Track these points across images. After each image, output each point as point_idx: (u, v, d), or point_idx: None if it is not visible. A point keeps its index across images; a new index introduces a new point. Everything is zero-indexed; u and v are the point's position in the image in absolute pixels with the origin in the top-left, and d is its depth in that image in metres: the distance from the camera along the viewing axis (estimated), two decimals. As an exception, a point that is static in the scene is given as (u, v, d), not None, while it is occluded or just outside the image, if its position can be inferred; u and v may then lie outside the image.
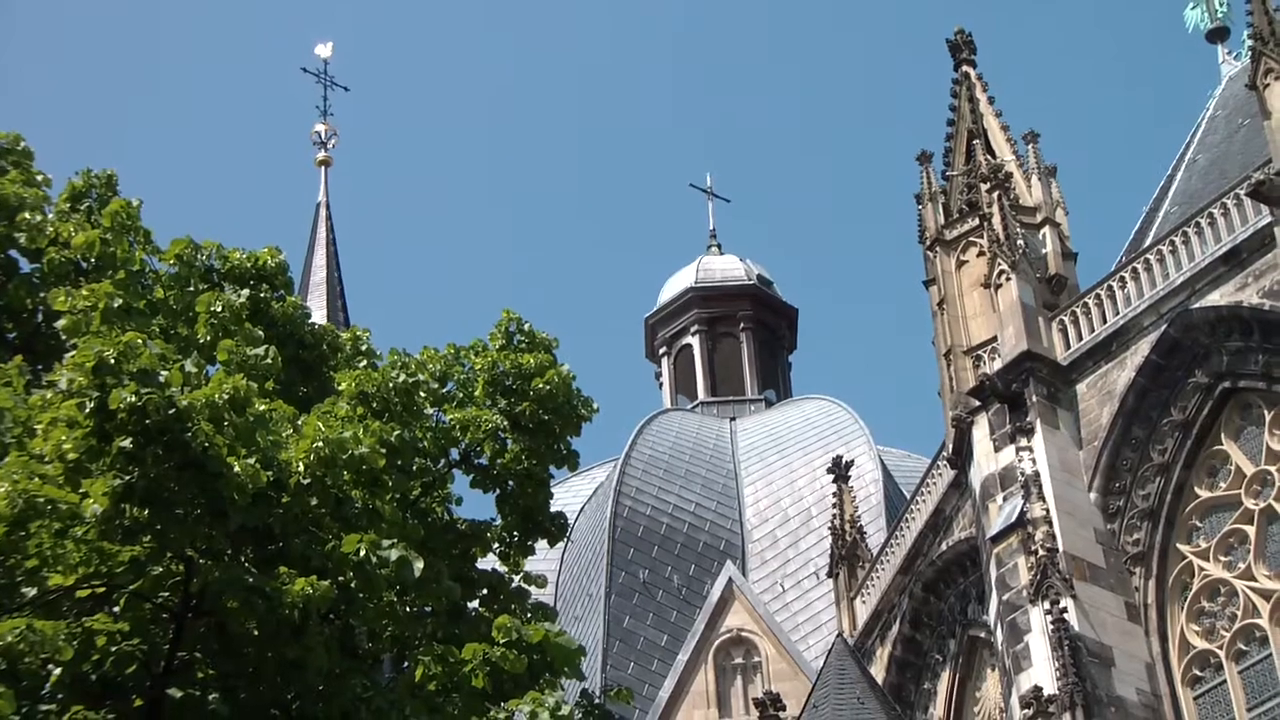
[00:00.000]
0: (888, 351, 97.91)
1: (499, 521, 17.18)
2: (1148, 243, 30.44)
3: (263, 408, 14.34)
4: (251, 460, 13.66)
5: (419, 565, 14.24)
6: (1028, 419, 28.12)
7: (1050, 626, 25.37)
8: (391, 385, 16.26)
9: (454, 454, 16.93)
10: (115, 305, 15.36)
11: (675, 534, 43.75)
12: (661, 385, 55.50)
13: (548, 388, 16.94)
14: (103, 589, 13.79)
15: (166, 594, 13.87)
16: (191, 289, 16.90)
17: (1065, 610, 25.51)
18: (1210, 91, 37.51)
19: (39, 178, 18.33)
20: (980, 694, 30.55)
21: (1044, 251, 31.05)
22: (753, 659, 38.31)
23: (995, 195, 30.74)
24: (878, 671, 32.07)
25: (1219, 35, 39.25)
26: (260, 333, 16.25)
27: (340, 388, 16.35)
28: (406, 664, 15.58)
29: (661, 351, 55.72)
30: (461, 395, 17.21)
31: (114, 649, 13.59)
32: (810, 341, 74.15)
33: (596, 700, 16.88)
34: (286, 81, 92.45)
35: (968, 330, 30.60)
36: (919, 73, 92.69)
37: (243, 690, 13.98)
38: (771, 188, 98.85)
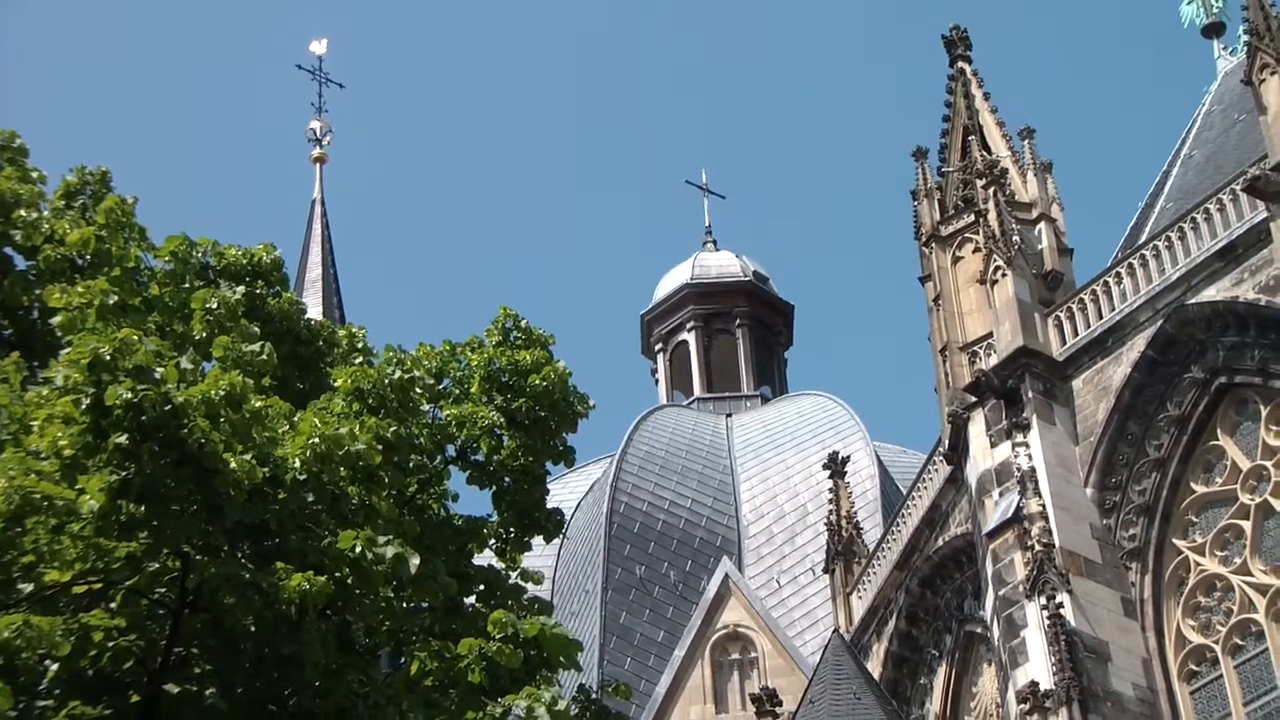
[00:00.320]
0: (884, 347, 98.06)
1: (495, 518, 17.19)
2: (1144, 238, 30.46)
3: (259, 404, 14.33)
4: (248, 456, 13.66)
5: (415, 562, 14.24)
6: (1024, 415, 28.14)
7: (1047, 622, 25.40)
8: (387, 381, 16.26)
9: (450, 450, 16.94)
10: (111, 302, 15.36)
11: (671, 530, 43.78)
12: (657, 381, 55.53)
13: (544, 384, 16.95)
14: (99, 585, 13.79)
15: (163, 590, 13.87)
16: (187, 286, 16.89)
17: (1061, 605, 25.54)
18: (1206, 87, 37.56)
19: (34, 174, 18.31)
20: (977, 689, 30.58)
21: (1040, 247, 31.07)
22: (749, 654, 38.32)
23: (991, 191, 30.75)
24: (874, 667, 32.09)
25: (1215, 30, 39.26)
26: (256, 329, 16.23)
27: (336, 384, 16.34)
28: (403, 659, 15.58)
29: (657, 348, 55.74)
30: (458, 392, 17.22)
31: (111, 645, 13.58)
32: (806, 338, 74.15)
33: (594, 696, 16.89)
34: (282, 78, 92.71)
35: (964, 326, 30.61)
36: (914, 69, 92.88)
37: (239, 686, 13.97)
38: (767, 184, 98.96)
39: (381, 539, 14.20)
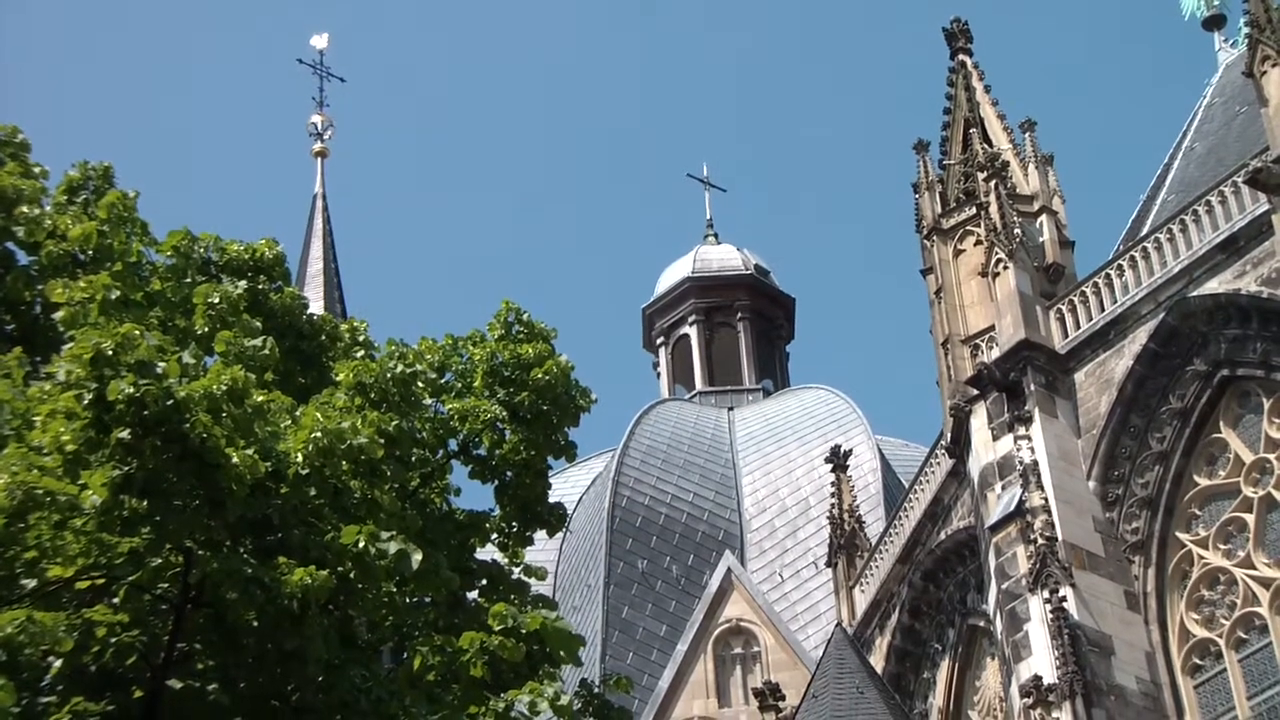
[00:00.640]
0: (885, 341, 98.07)
1: (497, 512, 17.16)
2: (1145, 231, 30.43)
3: (261, 399, 14.32)
4: (250, 451, 13.65)
5: (418, 557, 14.23)
6: (1026, 408, 28.12)
7: (1050, 615, 25.38)
8: (390, 376, 16.23)
9: (452, 444, 16.92)
10: (113, 297, 15.34)
11: (674, 524, 43.77)
12: (659, 375, 55.52)
13: (546, 378, 16.92)
14: (102, 580, 13.78)
15: (166, 585, 13.86)
16: (189, 280, 16.86)
17: (1064, 599, 25.52)
18: (1207, 79, 37.54)
19: (36, 170, 18.29)
20: (980, 683, 30.57)
21: (1041, 240, 31.06)
22: (752, 649, 38.32)
23: (992, 184, 30.73)
24: (877, 661, 32.08)
25: (1216, 23, 39.23)
26: (258, 324, 16.21)
27: (338, 378, 16.33)
28: (405, 654, 15.57)
29: (659, 341, 55.73)
30: (460, 386, 17.19)
31: (114, 640, 13.57)
32: (808, 331, 74.03)
33: (596, 689, 16.88)
34: (282, 73, 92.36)
35: (965, 319, 30.59)
36: (915, 62, 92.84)
37: (242, 681, 13.97)
38: (768, 177, 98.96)
39: (384, 534, 14.18)
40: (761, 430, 47.74)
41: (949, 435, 30.12)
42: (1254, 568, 26.41)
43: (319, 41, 54.06)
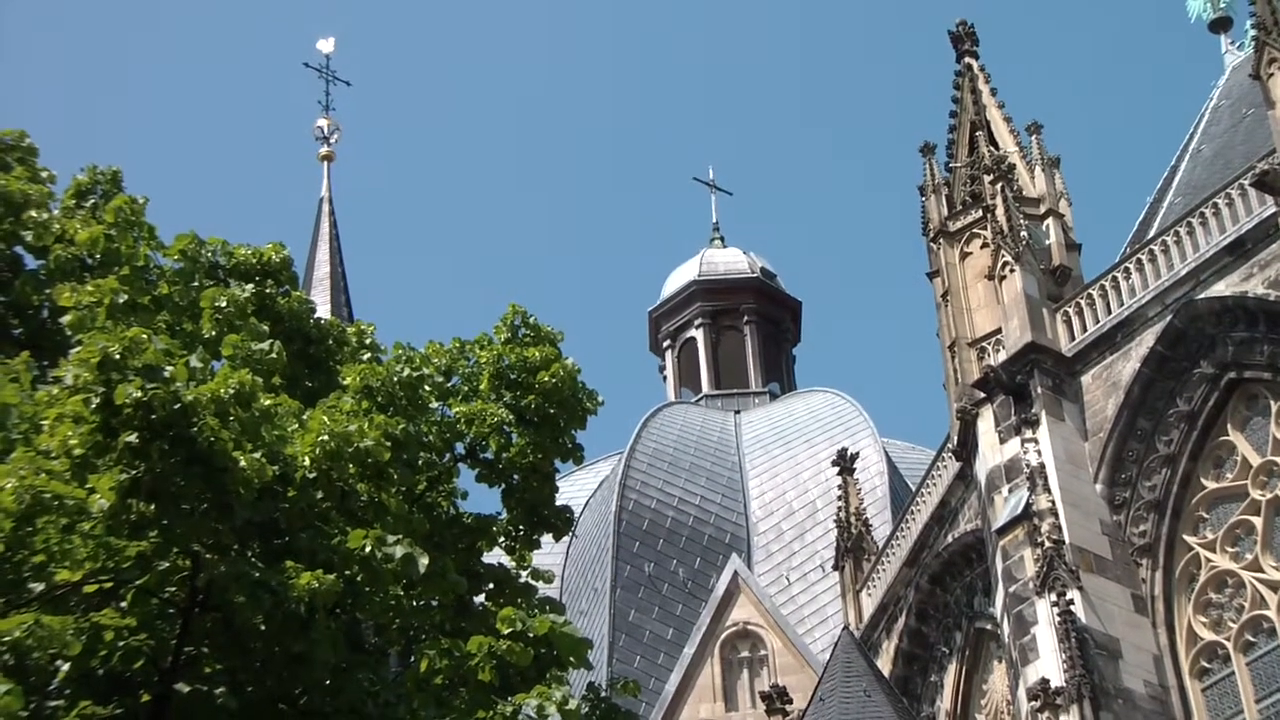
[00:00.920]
0: (892, 344, 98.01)
1: (504, 515, 17.16)
2: (1152, 233, 30.42)
3: (268, 402, 14.32)
4: (257, 455, 13.65)
5: (424, 561, 14.23)
6: (1033, 411, 28.11)
7: (1057, 618, 25.36)
8: (396, 379, 16.24)
9: (459, 448, 16.90)
10: (120, 301, 15.35)
11: (680, 527, 43.77)
12: (665, 379, 55.55)
13: (553, 381, 16.91)
14: (110, 584, 13.78)
15: (173, 589, 13.85)
16: (196, 284, 16.87)
17: (1072, 602, 25.51)
18: (1214, 82, 37.52)
19: (44, 174, 18.32)
20: (987, 686, 30.55)
21: (1048, 243, 31.06)
22: (759, 652, 38.32)
23: (999, 187, 30.72)
24: (884, 664, 32.07)
25: (1222, 25, 39.24)
26: (265, 328, 16.23)
27: (345, 382, 16.33)
28: (413, 658, 15.56)
29: (665, 345, 55.76)
30: (466, 389, 17.18)
31: (121, 644, 13.56)
32: (814, 334, 74.21)
33: (603, 694, 16.87)
34: (289, 77, 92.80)
35: (972, 322, 30.57)
36: (921, 64, 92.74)
37: (249, 684, 13.96)
38: (774, 180, 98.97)
39: (391, 537, 14.18)
40: (768, 433, 47.73)
41: (956, 438, 30.10)
42: (1262, 570, 26.38)
43: (325, 46, 54.14)
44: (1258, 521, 26.62)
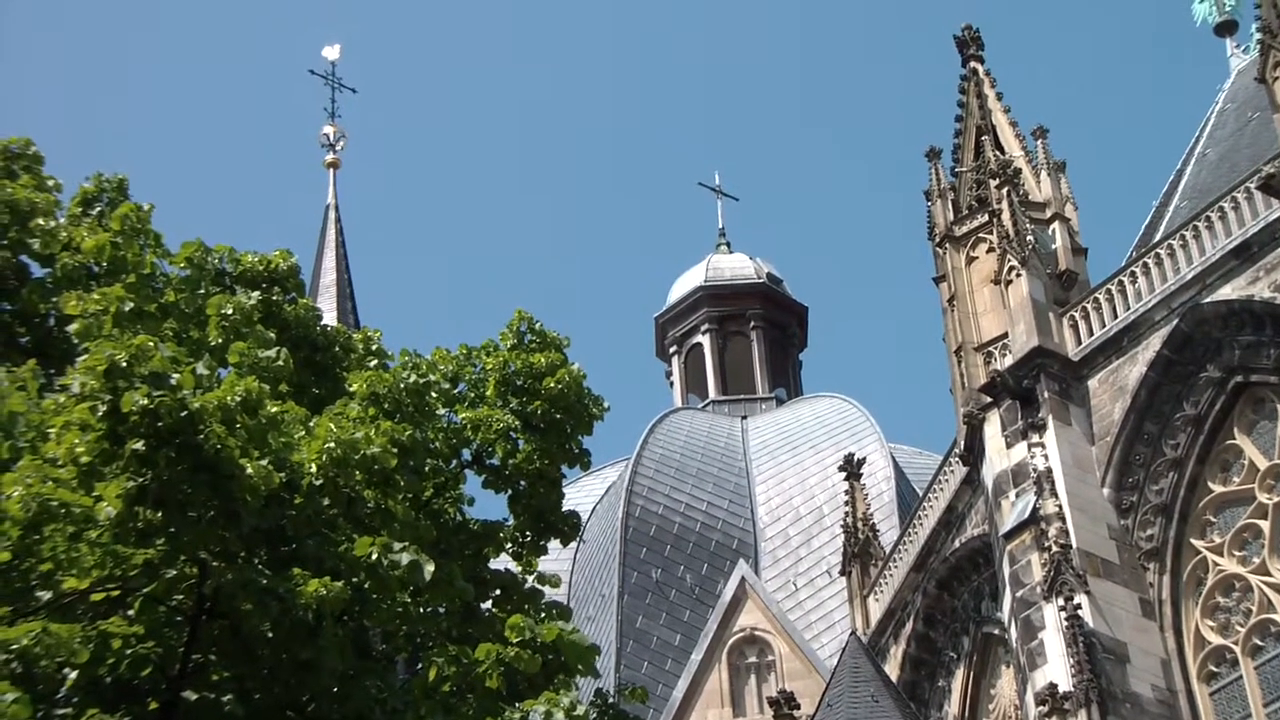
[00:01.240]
0: (898, 349, 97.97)
1: (511, 522, 17.16)
2: (1158, 237, 30.39)
3: (275, 409, 14.34)
4: (264, 462, 13.66)
5: (430, 568, 14.23)
6: (1039, 415, 28.08)
7: (1065, 623, 25.33)
8: (403, 386, 16.26)
9: (466, 454, 16.93)
10: (127, 309, 15.38)
11: (688, 533, 43.75)
12: (672, 384, 55.52)
13: (559, 387, 16.93)
14: (117, 592, 13.79)
15: (181, 596, 13.87)
16: (203, 292, 16.89)
17: (1079, 606, 25.47)
18: (1219, 85, 37.48)
19: (50, 183, 18.33)
20: (995, 691, 30.50)
21: (1054, 247, 31.03)
22: (766, 658, 38.28)
23: (1004, 191, 30.69)
24: (892, 669, 32.03)
25: (1227, 29, 39.19)
26: (272, 335, 16.24)
27: (352, 389, 16.34)
28: (420, 665, 15.56)
29: (672, 350, 55.75)
30: (473, 395, 17.20)
31: (129, 652, 13.59)
32: (820, 339, 74.12)
33: (611, 700, 16.86)
34: (294, 84, 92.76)
35: (978, 326, 30.56)
36: (927, 69, 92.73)
37: (257, 692, 13.97)
38: (780, 186, 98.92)
39: (397, 544, 14.20)
40: (775, 439, 47.71)
41: (963, 443, 30.07)
42: (1269, 574, 26.33)
43: (331, 53, 54.25)
44: (1265, 525, 26.58)
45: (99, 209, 18.00)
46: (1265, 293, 26.99)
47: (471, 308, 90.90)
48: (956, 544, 31.42)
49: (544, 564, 17.87)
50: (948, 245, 31.77)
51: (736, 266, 56.45)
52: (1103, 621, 25.90)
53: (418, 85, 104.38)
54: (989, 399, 28.98)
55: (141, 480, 13.36)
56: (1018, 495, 27.67)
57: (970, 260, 31.42)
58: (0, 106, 71.67)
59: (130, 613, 13.78)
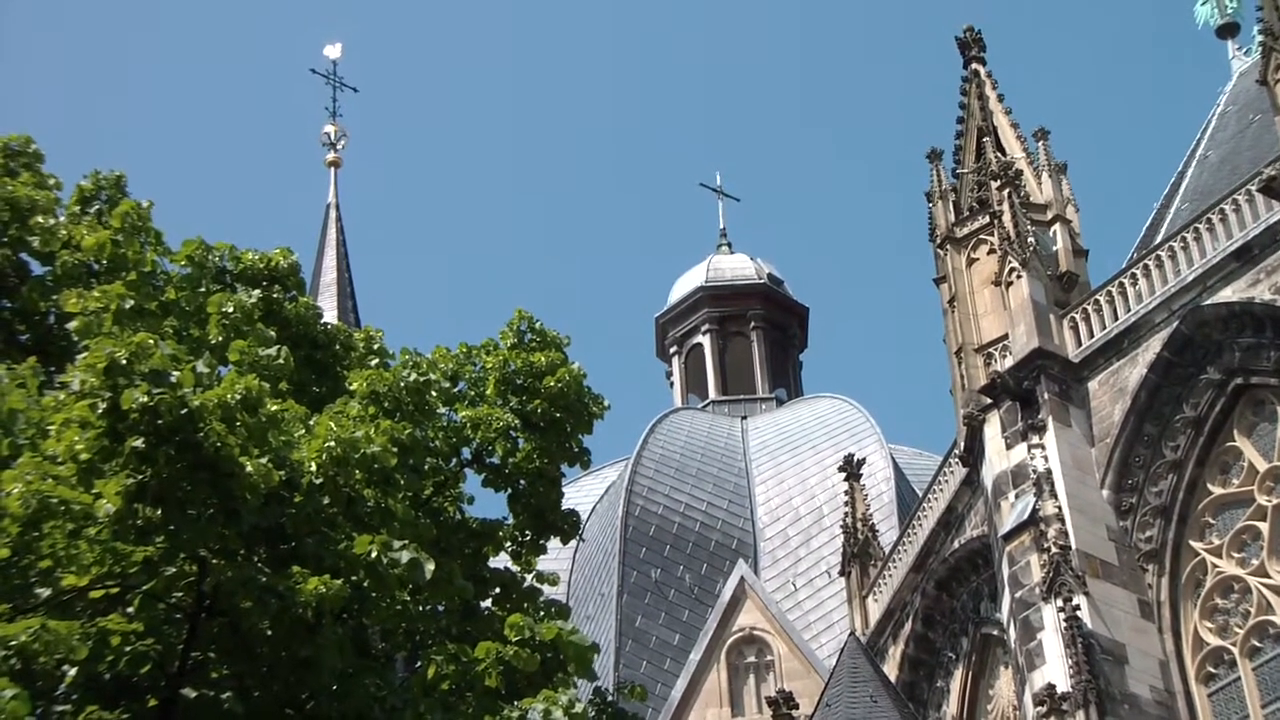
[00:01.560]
0: (898, 350, 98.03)
1: (511, 520, 17.17)
2: (1159, 239, 30.39)
3: (275, 408, 14.34)
4: (264, 460, 13.67)
5: (430, 566, 14.24)
6: (1039, 416, 28.08)
7: (1063, 624, 25.34)
8: (403, 384, 16.27)
9: (465, 453, 16.94)
10: (127, 306, 15.38)
11: (687, 533, 43.76)
12: (672, 384, 55.53)
13: (559, 386, 16.94)
14: (116, 589, 13.80)
15: (180, 594, 13.87)
16: (203, 290, 16.90)
17: (1078, 608, 25.48)
18: (1221, 87, 37.49)
19: (50, 180, 18.33)
20: (994, 692, 30.51)
21: (1055, 249, 31.05)
22: (765, 657, 38.29)
23: (1006, 193, 30.70)
24: (890, 670, 32.04)
25: (1229, 31, 39.20)
26: (272, 333, 16.25)
27: (352, 387, 16.35)
28: (420, 663, 15.57)
29: (672, 351, 55.76)
30: (473, 394, 17.21)
31: (128, 649, 13.59)
32: (821, 340, 74.10)
33: (610, 698, 16.87)
34: (296, 83, 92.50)
35: (979, 328, 30.56)
36: (928, 71, 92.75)
37: (256, 690, 13.98)
38: (781, 186, 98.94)
39: (397, 543, 14.20)
40: (775, 439, 47.72)
41: (962, 444, 30.08)
42: (1268, 576, 26.33)
43: (332, 51, 54.28)
44: (1264, 527, 26.59)
45: (97, 206, 18.00)
46: (1266, 295, 26.99)
47: (472, 307, 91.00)
48: (956, 545, 31.43)
49: (543, 563, 17.88)
50: (948, 246, 31.78)
51: (737, 267, 56.46)
52: (1101, 623, 25.91)
53: (419, 84, 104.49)
54: (989, 400, 28.99)
55: (141, 478, 13.37)
56: (1017, 496, 27.68)
57: (971, 261, 31.43)
58: (0, 104, 71.70)
59: (129, 610, 13.79)
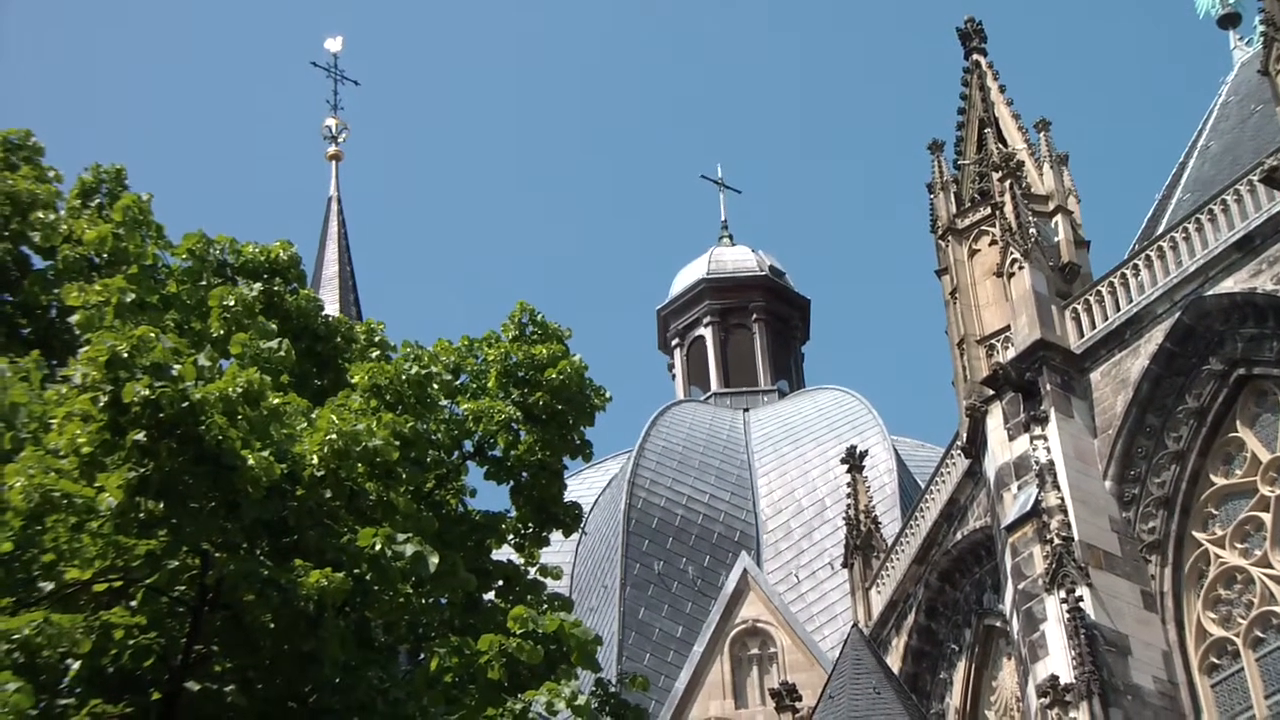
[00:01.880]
0: (901, 341, 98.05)
1: (513, 513, 17.15)
2: (1160, 230, 30.39)
3: (276, 401, 14.33)
4: (266, 453, 13.65)
5: (434, 559, 14.22)
6: (1042, 408, 28.09)
7: (1066, 615, 25.34)
8: (405, 377, 16.23)
9: (468, 446, 16.91)
10: (128, 300, 15.36)
11: (690, 525, 43.77)
12: (674, 377, 55.53)
13: (560, 378, 16.91)
14: (119, 583, 13.80)
15: (183, 587, 13.87)
16: (204, 283, 16.87)
17: (1081, 599, 25.49)
18: (1222, 78, 37.47)
19: (50, 174, 18.32)
20: (997, 683, 30.54)
21: (1056, 240, 31.05)
22: (768, 650, 38.29)
23: (1007, 184, 30.71)
24: (894, 661, 32.06)
25: (1230, 21, 39.16)
26: (274, 326, 16.21)
27: (354, 380, 16.33)
28: (423, 656, 15.57)
29: (674, 343, 55.76)
30: (475, 387, 17.18)
31: (131, 642, 13.58)
32: (823, 332, 74.11)
33: (613, 689, 16.87)
34: (297, 76, 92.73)
35: (981, 319, 30.57)
36: (930, 62, 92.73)
37: (259, 683, 13.96)
38: (783, 178, 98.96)
39: (400, 536, 14.18)
40: (777, 431, 47.72)
41: (965, 435, 30.10)
42: (1271, 566, 26.35)
43: (333, 45, 54.27)
44: (1267, 518, 26.60)
45: (98, 200, 17.98)
46: (1268, 285, 27.01)
47: (473, 299, 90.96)
48: (958, 536, 31.46)
49: (546, 555, 17.86)
50: (950, 238, 31.78)
51: (739, 259, 56.45)
52: (1104, 614, 25.92)
53: (420, 78, 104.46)
54: (991, 391, 28.99)
55: (143, 471, 13.36)
56: (1020, 488, 27.69)
57: (973, 253, 31.44)
58: (0, 98, 71.69)
59: (132, 603, 13.79)
